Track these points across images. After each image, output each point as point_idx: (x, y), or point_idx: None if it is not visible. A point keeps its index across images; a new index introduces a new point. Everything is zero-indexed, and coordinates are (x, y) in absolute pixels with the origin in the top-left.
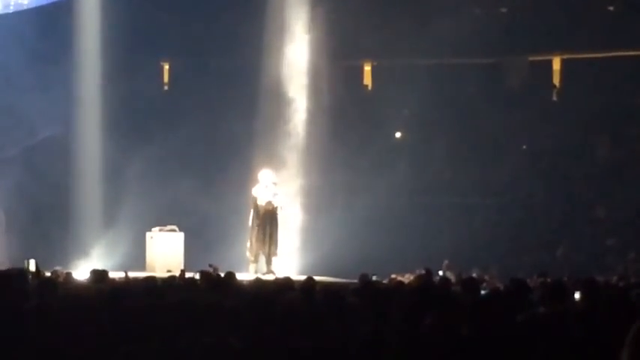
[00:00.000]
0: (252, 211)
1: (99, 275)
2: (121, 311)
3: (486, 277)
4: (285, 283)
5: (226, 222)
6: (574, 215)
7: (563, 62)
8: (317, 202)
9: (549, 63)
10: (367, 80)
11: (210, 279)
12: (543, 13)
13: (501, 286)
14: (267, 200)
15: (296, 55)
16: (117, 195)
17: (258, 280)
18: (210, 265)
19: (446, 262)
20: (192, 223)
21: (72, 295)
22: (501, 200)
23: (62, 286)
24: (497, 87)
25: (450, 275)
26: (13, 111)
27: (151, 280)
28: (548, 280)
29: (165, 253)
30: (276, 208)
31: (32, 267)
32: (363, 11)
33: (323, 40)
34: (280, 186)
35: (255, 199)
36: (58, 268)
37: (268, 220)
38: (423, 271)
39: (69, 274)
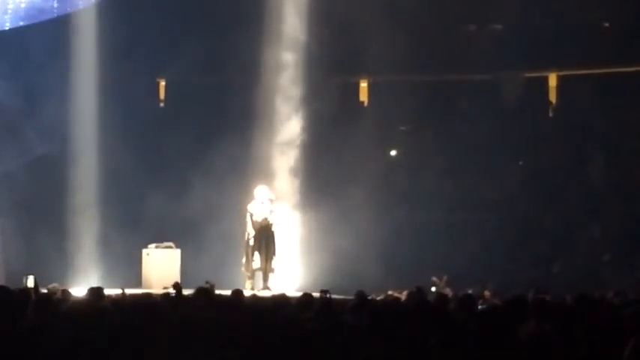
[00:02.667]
0: (248, 227)
1: (96, 292)
2: (118, 328)
3: (486, 294)
4: (282, 300)
5: (223, 238)
6: (570, 231)
7: (560, 78)
8: (313, 219)
9: (545, 79)
10: (363, 96)
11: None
12: (539, 30)
13: (499, 303)
14: (263, 216)
15: (292, 71)
16: (113, 211)
17: (254, 297)
18: (207, 282)
19: (445, 277)
20: (189, 239)
21: (69, 312)
22: (497, 216)
23: (59, 302)
24: (493, 103)
25: (449, 291)
26: (8, 127)
27: (147, 297)
28: (547, 297)
29: (162, 270)
30: (272, 224)
31: (30, 283)
32: (359, 27)
33: (319, 56)
34: (276, 202)
35: (251, 216)
36: (55, 284)
37: (264, 236)
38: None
39: (66, 291)
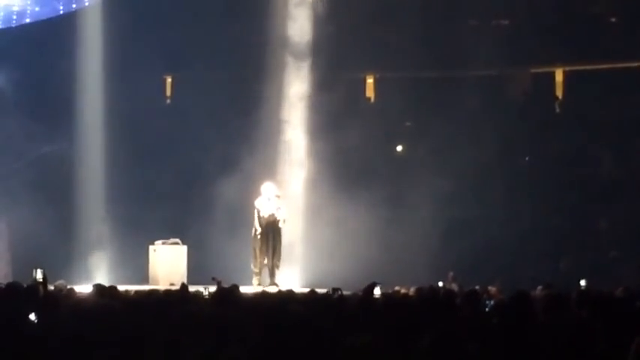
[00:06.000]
0: (255, 223)
1: (102, 289)
2: (124, 325)
3: (491, 290)
4: (289, 296)
5: (229, 235)
6: (577, 227)
7: (566, 74)
8: (320, 215)
9: (552, 75)
10: (370, 92)
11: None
12: (545, 25)
13: (505, 299)
14: (270, 213)
15: (298, 67)
16: (120, 208)
17: (261, 292)
18: (214, 279)
19: (451, 273)
20: (196, 236)
21: (75, 309)
22: (503, 212)
23: (65, 300)
24: (499, 99)
25: (455, 287)
26: (16, 124)
27: (154, 293)
28: (553, 292)
29: (169, 267)
30: (279, 220)
31: (39, 276)
32: (365, 24)
33: (325, 53)
34: (283, 199)
35: (258, 212)
36: (61, 281)
37: (271, 232)
38: (427, 285)
39: (72, 289)
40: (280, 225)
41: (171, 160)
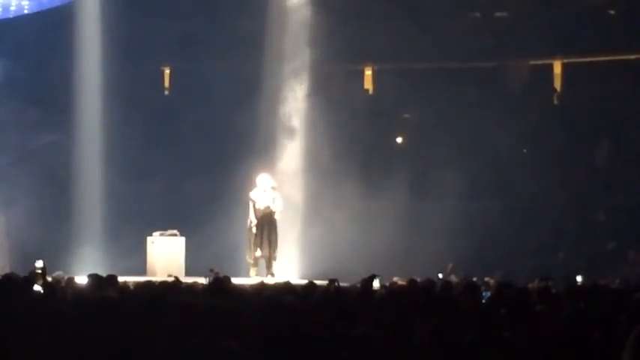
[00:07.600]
0: (250, 215)
1: (99, 280)
2: (122, 316)
3: (489, 282)
4: (285, 287)
5: (227, 226)
6: (575, 219)
7: (564, 66)
8: (318, 207)
9: (550, 67)
10: (368, 84)
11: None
12: (544, 17)
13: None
14: (265, 205)
15: (296, 59)
16: (118, 199)
17: (259, 284)
18: (211, 270)
19: (450, 265)
20: (193, 227)
21: (73, 300)
22: (502, 204)
23: (64, 290)
24: (497, 91)
25: (454, 279)
26: (14, 116)
27: (151, 284)
28: (550, 283)
29: (166, 258)
30: (275, 212)
31: (39, 265)
32: (363, 15)
33: (324, 44)
34: (279, 190)
35: (253, 203)
36: (59, 272)
37: (267, 224)
38: (425, 277)
39: (70, 279)
40: (276, 217)
41: (170, 151)
